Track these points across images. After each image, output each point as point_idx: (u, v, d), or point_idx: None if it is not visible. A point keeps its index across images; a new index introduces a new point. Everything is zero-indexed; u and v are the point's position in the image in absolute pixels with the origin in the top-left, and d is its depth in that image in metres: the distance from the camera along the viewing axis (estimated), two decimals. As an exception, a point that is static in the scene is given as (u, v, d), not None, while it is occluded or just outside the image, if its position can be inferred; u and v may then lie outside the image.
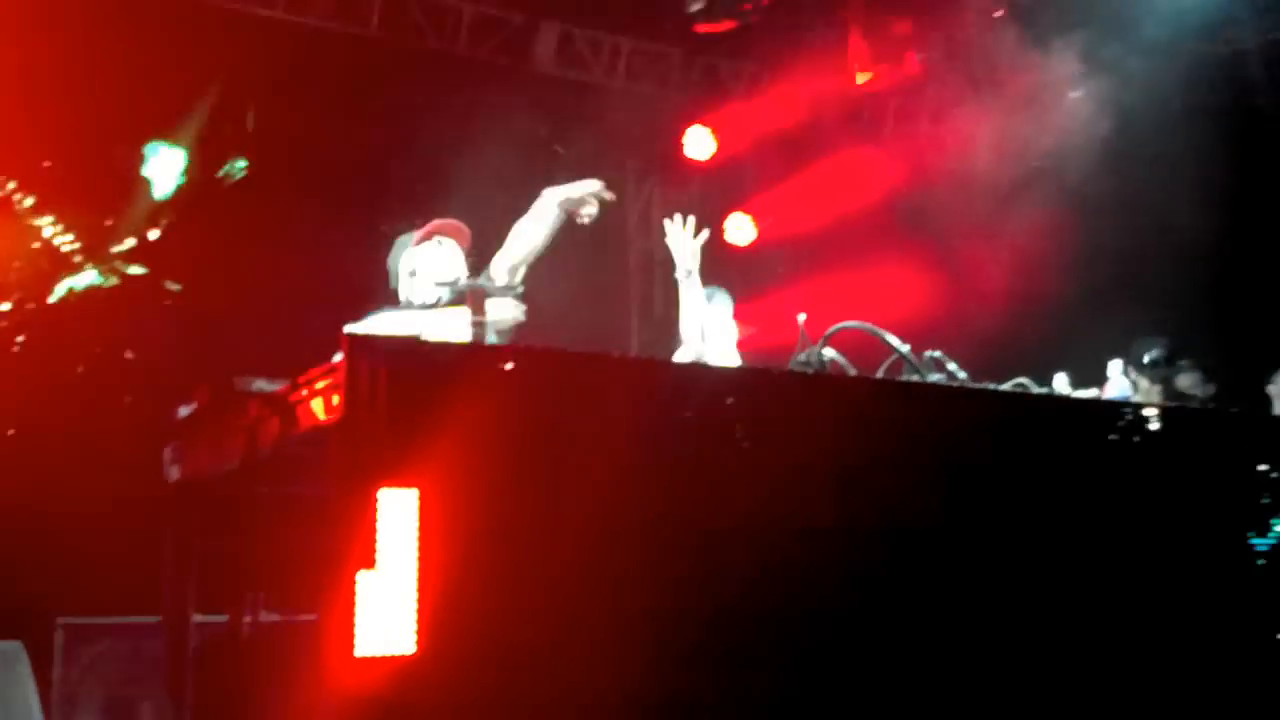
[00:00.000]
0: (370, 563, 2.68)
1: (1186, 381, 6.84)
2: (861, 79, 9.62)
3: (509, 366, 2.85)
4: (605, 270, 10.29)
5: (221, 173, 8.40)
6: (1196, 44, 8.89)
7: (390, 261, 4.82)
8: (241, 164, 7.96)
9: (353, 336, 2.69)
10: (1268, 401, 7.28)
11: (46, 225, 7.98)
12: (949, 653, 3.38)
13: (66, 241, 8.03)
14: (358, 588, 2.68)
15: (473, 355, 2.88)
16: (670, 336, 10.00)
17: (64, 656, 6.54)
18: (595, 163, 10.03)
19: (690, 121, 10.02)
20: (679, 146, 10.04)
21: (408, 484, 2.70)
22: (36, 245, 7.96)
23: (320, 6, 8.53)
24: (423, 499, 2.72)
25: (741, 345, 6.28)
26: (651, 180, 10.55)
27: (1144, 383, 6.62)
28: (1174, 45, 8.80)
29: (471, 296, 3.85)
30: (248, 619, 3.59)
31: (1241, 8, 8.83)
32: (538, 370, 2.92)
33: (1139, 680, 3.68)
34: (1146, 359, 6.67)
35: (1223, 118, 8.42)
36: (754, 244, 10.18)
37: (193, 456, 4.02)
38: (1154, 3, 8.67)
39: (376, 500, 2.68)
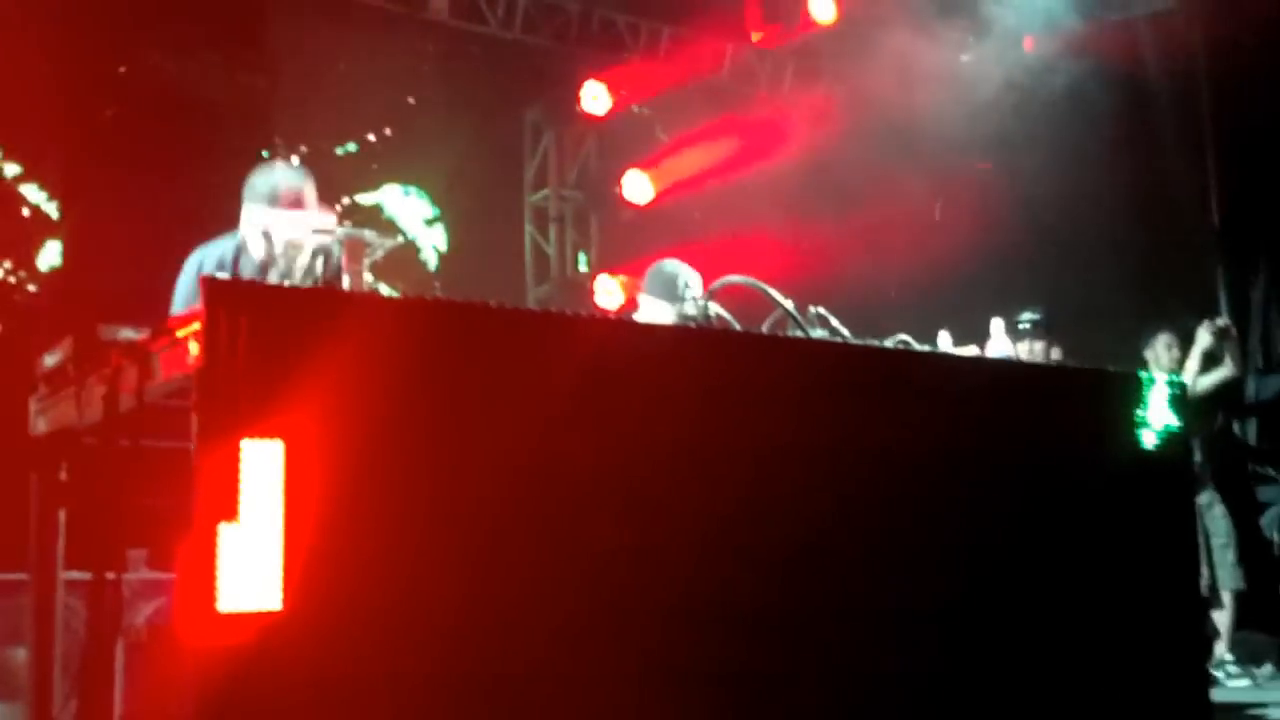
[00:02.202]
0: (233, 516, 2.62)
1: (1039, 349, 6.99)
2: (756, 37, 9.62)
3: (379, 314, 2.78)
4: (499, 224, 10.21)
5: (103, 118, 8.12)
6: (1088, 14, 9.04)
7: (245, 191, 4.60)
8: None
9: (212, 282, 2.60)
10: (1145, 365, 7.47)
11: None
12: (833, 605, 3.41)
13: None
14: (220, 541, 2.61)
15: (340, 302, 2.80)
16: (565, 293, 10.03)
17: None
18: (491, 115, 9.98)
19: (587, 76, 9.93)
20: (576, 101, 9.95)
21: (272, 435, 2.63)
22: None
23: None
24: (288, 450, 2.65)
25: (632, 304, 6.25)
26: (548, 134, 10.45)
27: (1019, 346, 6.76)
28: (1065, 17, 8.94)
29: (349, 246, 3.76)
30: (112, 575, 3.48)
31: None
32: (409, 318, 2.86)
33: (1008, 634, 3.77)
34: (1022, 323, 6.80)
35: (1112, 86, 8.57)
36: (651, 202, 10.15)
37: (58, 408, 3.89)
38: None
39: (239, 452, 2.61)
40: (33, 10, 7.74)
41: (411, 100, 9.62)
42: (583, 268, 10.42)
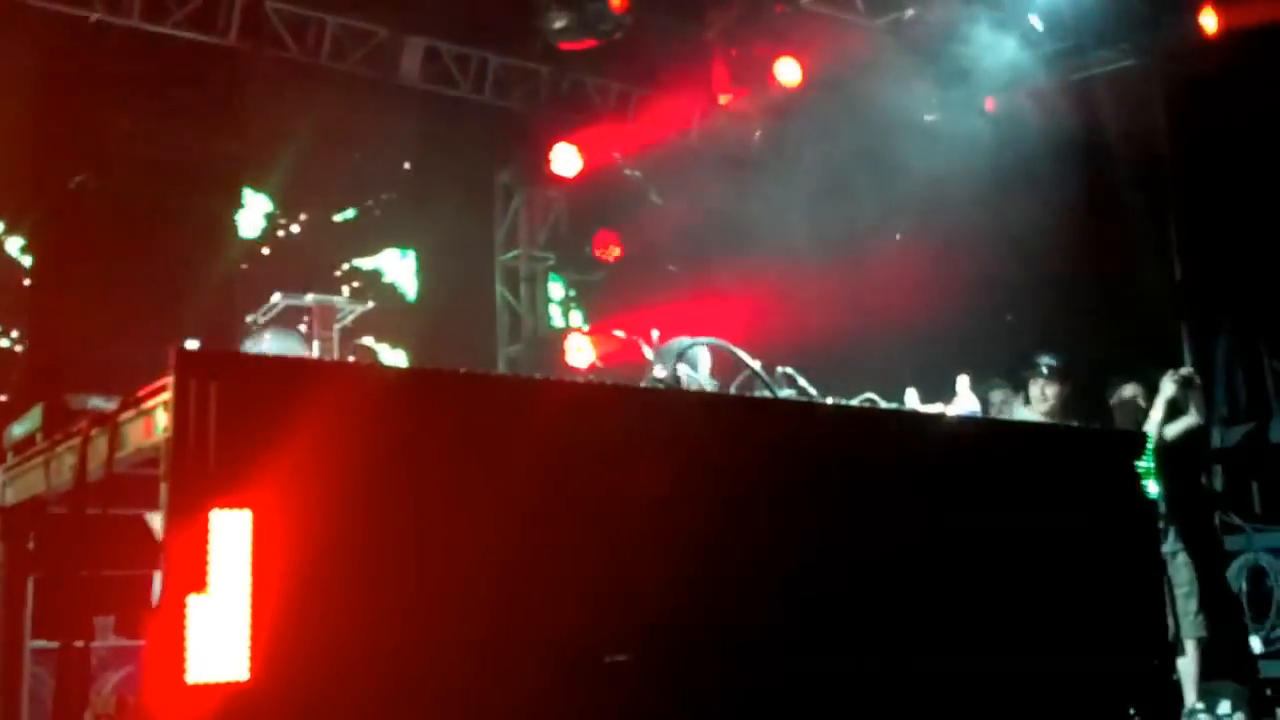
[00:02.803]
0: (202, 586, 2.62)
1: (999, 397, 7.06)
2: (724, 99, 9.74)
3: (347, 382, 2.80)
4: (472, 285, 10.24)
5: (72, 185, 8.13)
6: (1048, 74, 9.21)
7: None
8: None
9: (181, 352, 2.62)
10: (1109, 414, 7.54)
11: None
12: (807, 659, 3.42)
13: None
14: (189, 612, 2.61)
15: (308, 370, 2.82)
16: (536, 352, 10.05)
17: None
18: (463, 177, 10.04)
19: (558, 138, 10.02)
20: (547, 162, 10.03)
21: (240, 505, 2.64)
22: None
23: (176, 15, 8.33)
24: (256, 520, 2.66)
25: (604, 359, 6.28)
26: (518, 195, 10.52)
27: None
28: (1026, 76, 9.10)
29: (320, 313, 3.80)
30: (79, 644, 3.46)
31: (1088, 39, 9.16)
32: (377, 387, 2.88)
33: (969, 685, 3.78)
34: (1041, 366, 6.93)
35: (1073, 143, 8.71)
36: (618, 259, 10.21)
37: (25, 477, 3.88)
38: (1005, 37, 8.95)
39: (208, 522, 2.62)
40: (4, 76, 7.78)
41: (407, 166, 9.68)
42: (558, 323, 10.47)
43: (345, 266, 9.51)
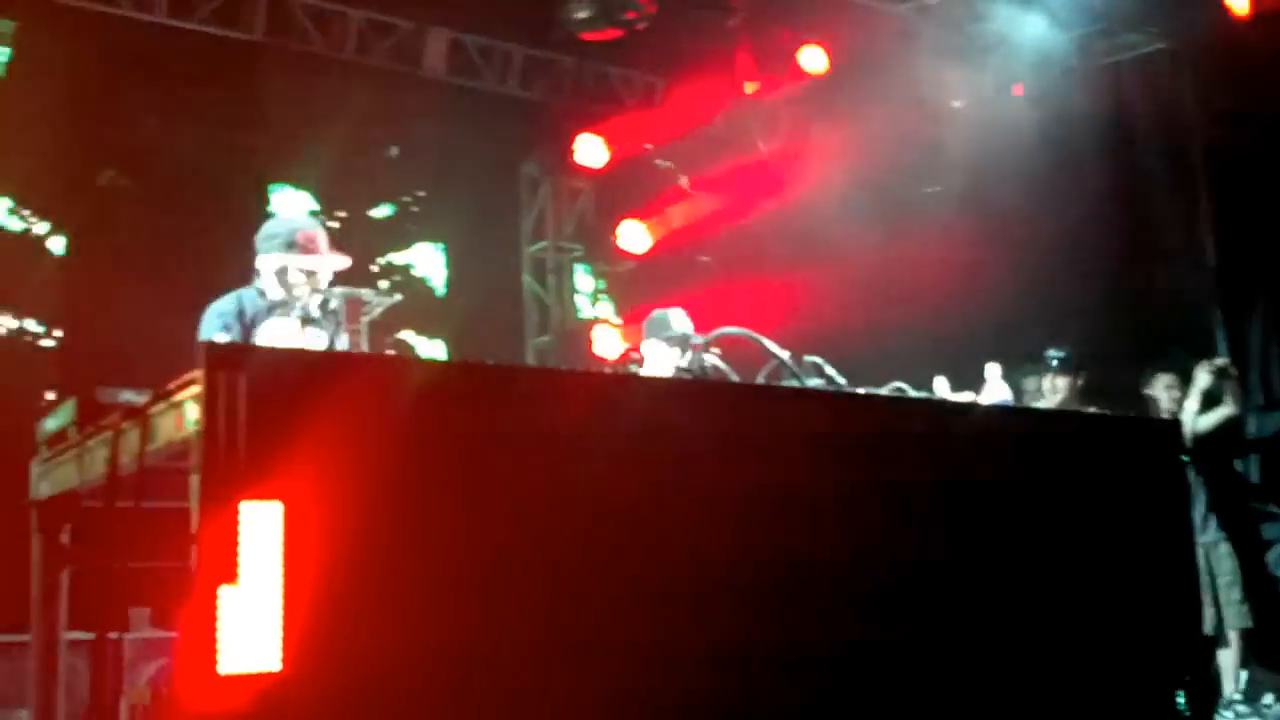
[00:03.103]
0: (233, 578, 2.63)
1: (1032, 384, 7.02)
2: (750, 88, 9.71)
3: (377, 374, 2.81)
4: (498, 277, 10.26)
5: (101, 181, 8.20)
6: (1077, 60, 9.14)
7: (260, 242, 4.67)
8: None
9: (211, 345, 2.63)
10: (1145, 404, 7.48)
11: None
12: (837, 655, 3.41)
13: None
14: (220, 604, 2.62)
15: (339, 364, 2.83)
16: (564, 343, 10.06)
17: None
18: (488, 169, 10.05)
19: (582, 129, 10.02)
20: (572, 153, 10.03)
21: (271, 497, 2.65)
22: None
23: (202, 10, 8.37)
24: (287, 512, 2.67)
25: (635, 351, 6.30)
26: (544, 187, 10.53)
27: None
28: (1055, 61, 9.04)
29: (348, 306, 3.80)
30: (114, 636, 3.49)
31: (1116, 24, 9.08)
32: (407, 378, 2.89)
33: (1014, 679, 3.76)
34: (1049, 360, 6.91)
35: (1103, 129, 8.64)
36: (648, 253, 10.20)
37: (59, 471, 3.91)
38: (1033, 22, 8.88)
39: (239, 514, 2.63)
40: (35, 74, 7.83)
41: (433, 160, 9.70)
42: (586, 314, 10.47)
43: (381, 261, 9.58)
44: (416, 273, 9.86)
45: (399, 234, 9.78)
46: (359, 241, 9.15)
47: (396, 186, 9.77)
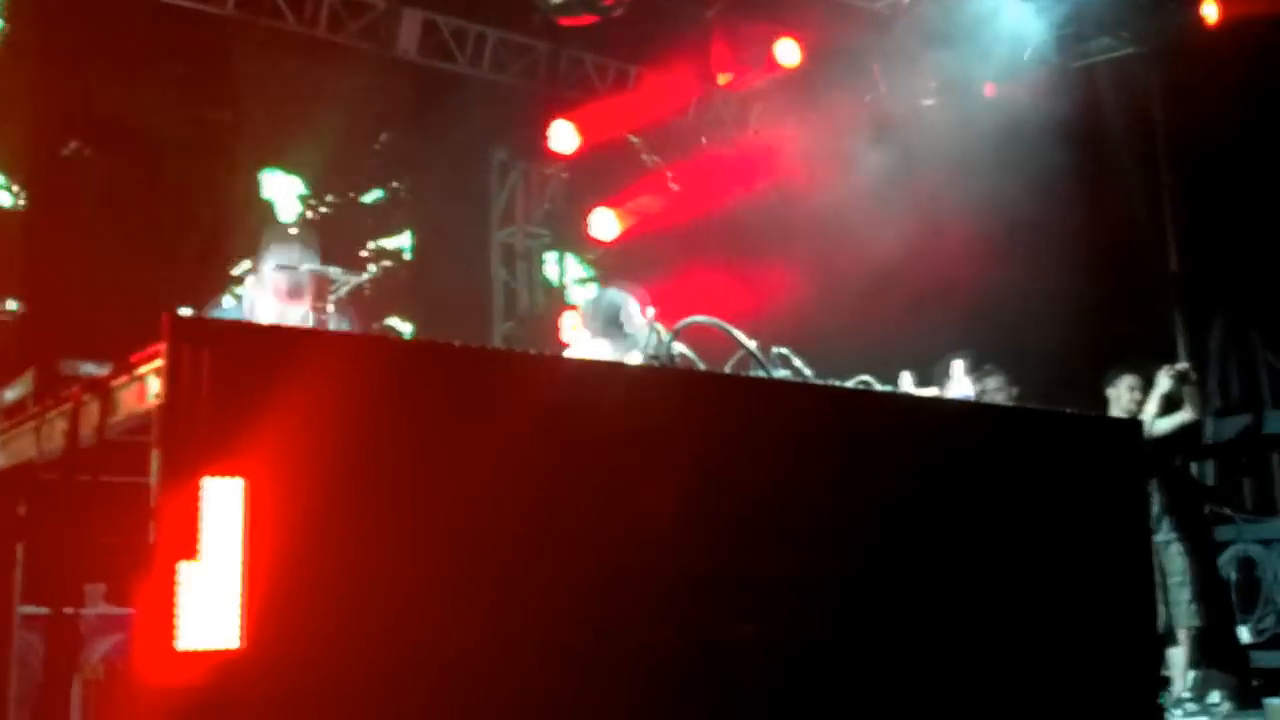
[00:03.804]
0: (193, 554, 2.60)
1: (993, 384, 7.05)
2: (723, 79, 9.72)
3: (341, 351, 2.79)
4: (468, 262, 10.22)
5: (65, 153, 8.10)
6: (1048, 61, 9.20)
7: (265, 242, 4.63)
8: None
9: (174, 319, 2.60)
10: (1105, 403, 7.55)
11: None
12: (800, 649, 3.42)
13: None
14: (179, 579, 2.59)
15: (303, 339, 2.80)
16: (532, 329, 10.04)
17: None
18: (459, 153, 10.01)
19: (556, 114, 9.99)
20: (543, 139, 10.00)
21: (233, 472, 2.63)
22: None
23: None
24: (249, 488, 2.64)
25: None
26: (515, 172, 10.50)
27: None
28: (1026, 62, 9.09)
29: (314, 283, 3.78)
30: (70, 611, 3.45)
31: (1088, 27, 9.14)
32: (371, 356, 2.87)
33: (972, 678, 3.79)
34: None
35: (1072, 131, 8.70)
36: (617, 239, 10.20)
37: (16, 442, 3.86)
38: (1006, 23, 8.93)
39: (200, 489, 2.60)
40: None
41: (405, 141, 9.68)
42: (553, 300, 10.46)
43: (372, 246, 9.59)
44: (407, 257, 9.88)
45: (389, 219, 9.78)
46: (350, 226, 9.17)
47: (385, 172, 9.75)
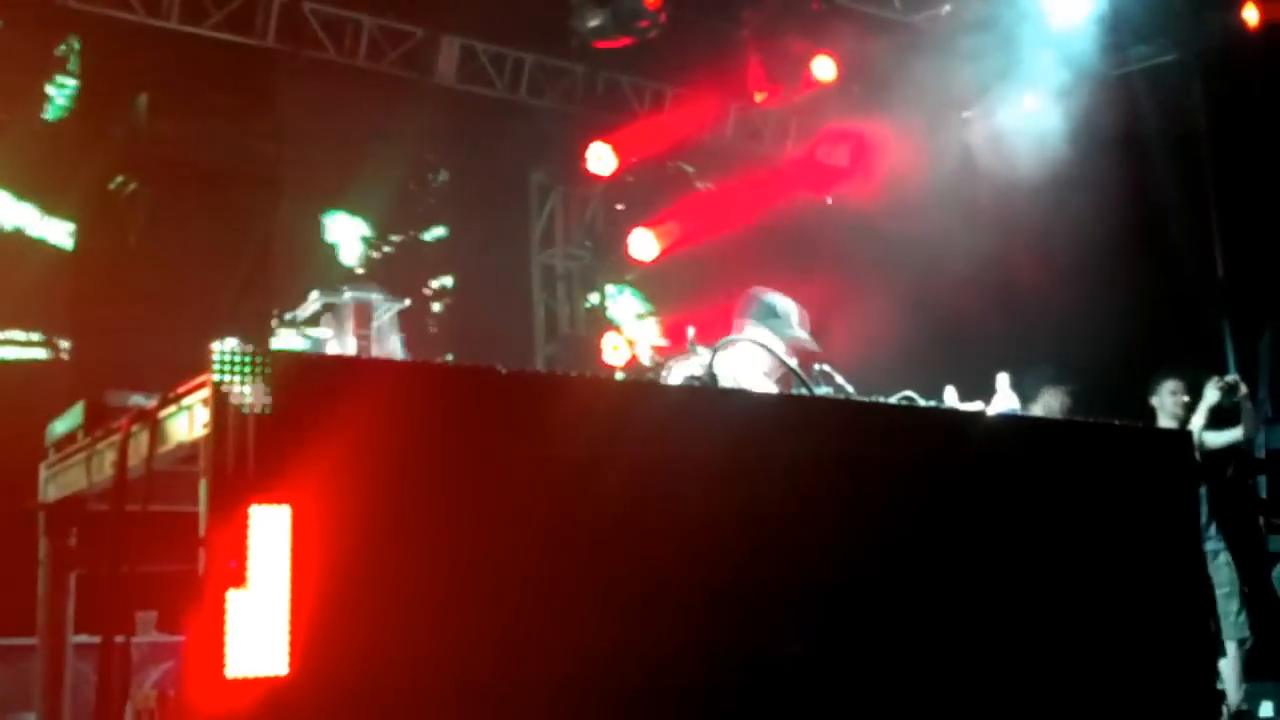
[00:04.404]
0: (241, 581, 2.62)
1: (1049, 395, 6.99)
2: (760, 97, 9.72)
3: (387, 378, 2.81)
4: (508, 285, 10.26)
5: (112, 186, 8.22)
6: (1087, 70, 9.13)
7: None
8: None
9: (221, 349, 2.63)
10: (1153, 414, 7.46)
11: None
12: (849, 664, 3.40)
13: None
14: (228, 607, 2.61)
15: (348, 368, 2.82)
16: (573, 350, 10.05)
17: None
18: (497, 177, 10.07)
19: (594, 137, 10.03)
20: (582, 161, 10.05)
21: (280, 500, 2.64)
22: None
23: (214, 16, 8.39)
24: (296, 515, 2.66)
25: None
26: (554, 194, 10.54)
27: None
28: (1066, 71, 9.03)
29: (357, 310, 3.81)
30: (121, 639, 3.48)
31: (1127, 35, 9.08)
32: (416, 384, 2.88)
33: (1031, 692, 3.74)
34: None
35: (1113, 138, 8.63)
36: (656, 259, 10.21)
37: (67, 474, 3.91)
38: (1044, 33, 8.88)
39: (247, 517, 2.63)
40: (46, 76, 7.87)
41: (443, 169, 9.78)
42: (596, 322, 10.48)
43: (435, 284, 9.68)
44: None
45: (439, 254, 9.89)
46: (410, 265, 9.28)
47: (440, 208, 9.86)
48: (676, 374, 4.98)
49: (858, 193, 9.13)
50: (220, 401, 2.62)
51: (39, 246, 7.99)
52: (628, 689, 2.99)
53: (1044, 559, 3.90)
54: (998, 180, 8.29)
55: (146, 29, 8.18)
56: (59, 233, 8.07)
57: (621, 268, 10.33)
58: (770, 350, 4.26)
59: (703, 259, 9.89)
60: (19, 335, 7.92)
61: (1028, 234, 8.16)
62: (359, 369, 2.89)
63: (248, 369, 2.63)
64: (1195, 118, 9.27)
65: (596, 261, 10.49)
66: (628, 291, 10.66)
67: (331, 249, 9.05)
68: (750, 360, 4.85)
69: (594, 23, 8.39)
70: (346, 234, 9.16)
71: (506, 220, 10.31)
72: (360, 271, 8.83)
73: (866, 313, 8.23)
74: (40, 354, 7.93)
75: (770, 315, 5.21)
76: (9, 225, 7.93)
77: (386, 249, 9.48)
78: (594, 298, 10.66)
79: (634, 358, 9.23)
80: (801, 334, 5.14)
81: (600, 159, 10.00)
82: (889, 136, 9.08)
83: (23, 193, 7.95)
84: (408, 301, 3.95)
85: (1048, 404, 7.02)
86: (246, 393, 2.61)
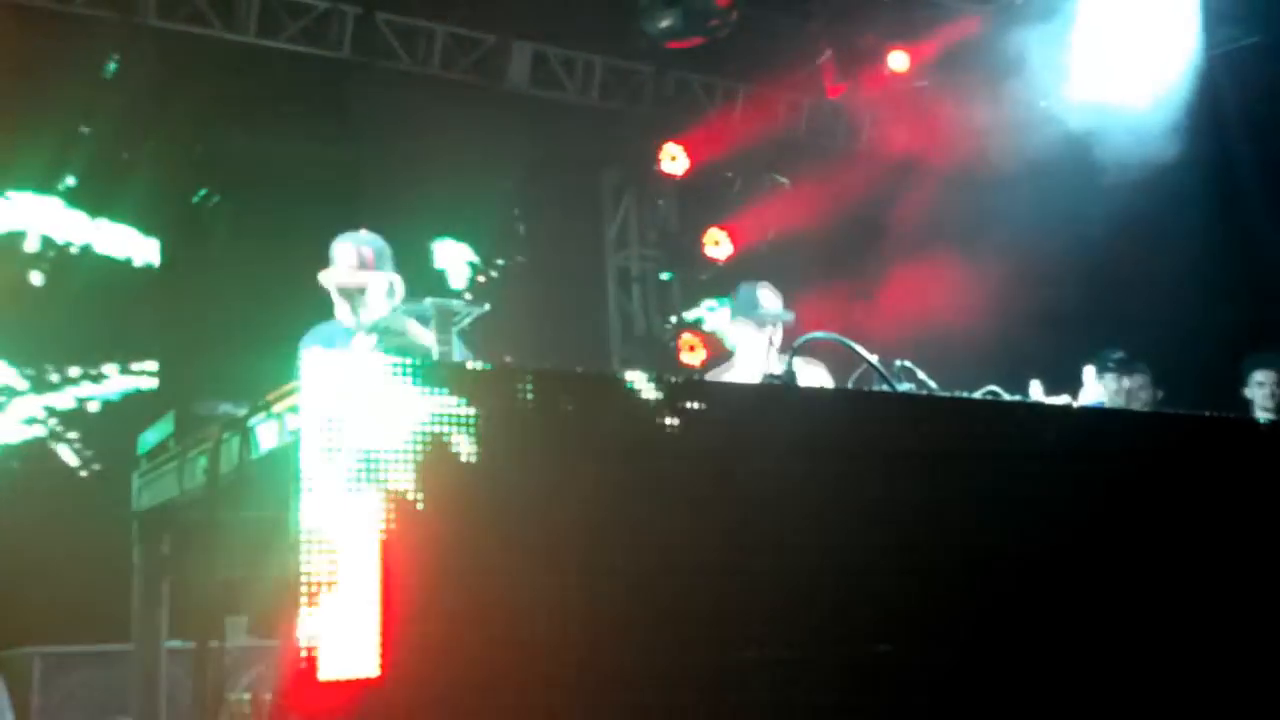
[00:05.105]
0: (332, 585, 2.65)
1: (1137, 383, 6.83)
2: (833, 92, 9.65)
3: (473, 383, 2.82)
4: (583, 287, 10.29)
5: (195, 199, 8.37)
6: (1169, 54, 8.95)
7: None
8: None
9: (309, 355, 2.66)
10: (1246, 405, 7.28)
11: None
12: (933, 665, 3.36)
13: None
14: (319, 611, 2.64)
15: (434, 373, 2.83)
16: (649, 352, 10.06)
17: (42, 686, 6.50)
18: (571, 181, 10.11)
19: (666, 137, 10.03)
20: (654, 162, 10.05)
21: (371, 504, 2.67)
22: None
23: (290, 29, 8.51)
24: (386, 518, 2.68)
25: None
26: (628, 196, 10.55)
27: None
28: (1143, 57, 8.86)
29: (437, 316, 3.84)
30: (215, 644, 3.55)
31: (1208, 19, 8.88)
32: (506, 388, 2.89)
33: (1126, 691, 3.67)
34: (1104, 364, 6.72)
35: (1189, 124, 8.45)
36: (730, 257, 10.18)
37: (159, 482, 3.99)
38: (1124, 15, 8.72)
39: (338, 521, 2.65)
40: (130, 97, 8.02)
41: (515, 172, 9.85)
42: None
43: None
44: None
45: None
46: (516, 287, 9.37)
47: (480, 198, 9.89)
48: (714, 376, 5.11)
49: (934, 186, 9.01)
50: (310, 408, 2.65)
51: (131, 269, 8.18)
52: (730, 684, 2.98)
53: (1135, 555, 3.82)
54: (1080, 170, 8.15)
55: (224, 43, 8.32)
56: (150, 251, 8.24)
57: (697, 267, 10.31)
58: (851, 347, 4.21)
59: (780, 257, 9.84)
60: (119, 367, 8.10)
61: (1111, 221, 8.00)
62: (446, 374, 2.88)
63: (337, 376, 2.66)
64: (1277, 99, 9.04)
65: (671, 261, 10.48)
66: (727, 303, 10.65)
67: (440, 275, 9.21)
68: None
69: (664, 23, 8.39)
70: (454, 259, 9.35)
71: (580, 223, 10.34)
72: (468, 297, 8.94)
73: (945, 307, 8.14)
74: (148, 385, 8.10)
75: (750, 307, 5.39)
76: (101, 251, 8.13)
77: (493, 273, 9.61)
78: (670, 297, 10.62)
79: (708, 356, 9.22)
80: (784, 315, 5.44)
81: (673, 159, 10.01)
82: (966, 128, 8.95)
83: (113, 213, 8.14)
84: (487, 306, 3.96)
85: (1134, 397, 6.88)
86: (337, 399, 2.64)
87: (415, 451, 2.70)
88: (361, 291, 4.81)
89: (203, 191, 8.14)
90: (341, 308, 4.87)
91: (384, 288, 4.77)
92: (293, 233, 7.67)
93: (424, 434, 2.72)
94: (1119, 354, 6.73)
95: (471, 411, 2.79)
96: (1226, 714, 3.82)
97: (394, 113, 8.83)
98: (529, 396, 2.90)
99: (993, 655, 3.46)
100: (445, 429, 2.75)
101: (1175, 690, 3.74)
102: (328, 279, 4.89)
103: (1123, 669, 3.65)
